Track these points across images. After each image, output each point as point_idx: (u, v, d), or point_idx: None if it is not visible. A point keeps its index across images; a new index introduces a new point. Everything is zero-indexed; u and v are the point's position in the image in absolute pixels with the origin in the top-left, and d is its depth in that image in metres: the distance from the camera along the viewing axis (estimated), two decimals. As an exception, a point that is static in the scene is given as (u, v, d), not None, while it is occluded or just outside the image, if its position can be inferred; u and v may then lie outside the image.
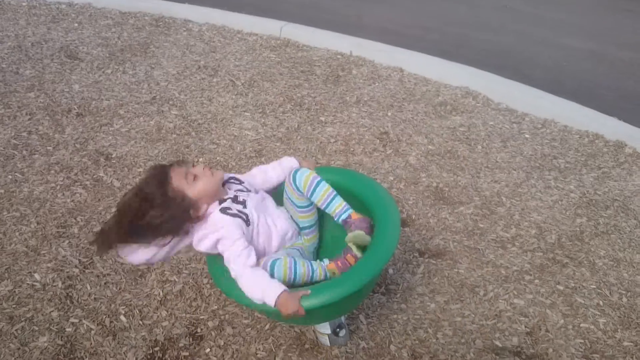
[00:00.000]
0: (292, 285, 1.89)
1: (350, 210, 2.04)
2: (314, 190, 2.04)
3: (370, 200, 2.10)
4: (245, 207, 2.00)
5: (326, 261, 2.03)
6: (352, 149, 3.44)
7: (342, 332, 2.15)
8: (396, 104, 3.98)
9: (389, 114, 3.86)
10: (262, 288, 1.80)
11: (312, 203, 2.11)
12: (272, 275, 1.86)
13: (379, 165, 3.31)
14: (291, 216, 2.18)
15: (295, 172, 2.06)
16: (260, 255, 1.99)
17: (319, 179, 2.05)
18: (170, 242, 1.94)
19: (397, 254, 2.67)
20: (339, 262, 2.00)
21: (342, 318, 2.18)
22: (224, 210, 1.95)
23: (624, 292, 2.55)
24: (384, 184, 3.08)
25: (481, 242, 2.79)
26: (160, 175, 1.93)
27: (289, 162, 2.25)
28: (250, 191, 2.11)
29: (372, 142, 3.53)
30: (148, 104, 3.81)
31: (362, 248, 1.99)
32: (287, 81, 4.21)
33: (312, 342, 2.23)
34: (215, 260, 2.00)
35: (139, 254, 1.97)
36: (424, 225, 2.88)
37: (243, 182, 2.15)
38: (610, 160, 3.49)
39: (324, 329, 2.13)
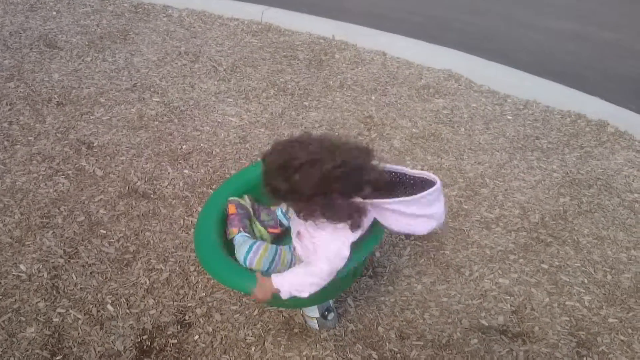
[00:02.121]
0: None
1: None
2: None
3: None
4: None
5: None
6: (336, 134, 3.44)
7: (331, 316, 2.16)
8: (380, 88, 3.98)
9: (373, 97, 3.86)
10: None
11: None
12: None
13: (364, 149, 3.31)
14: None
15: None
16: None
17: None
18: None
19: (383, 237, 2.68)
20: None
21: (330, 302, 2.19)
22: None
23: (608, 269, 2.59)
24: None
25: (466, 223, 2.81)
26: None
27: None
28: None
29: (356, 127, 3.52)
30: (129, 91, 3.76)
31: None
32: (270, 66, 4.17)
33: (300, 326, 2.24)
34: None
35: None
36: (409, 207, 2.89)
37: None
38: (593, 139, 3.52)
39: (313, 312, 2.14)
